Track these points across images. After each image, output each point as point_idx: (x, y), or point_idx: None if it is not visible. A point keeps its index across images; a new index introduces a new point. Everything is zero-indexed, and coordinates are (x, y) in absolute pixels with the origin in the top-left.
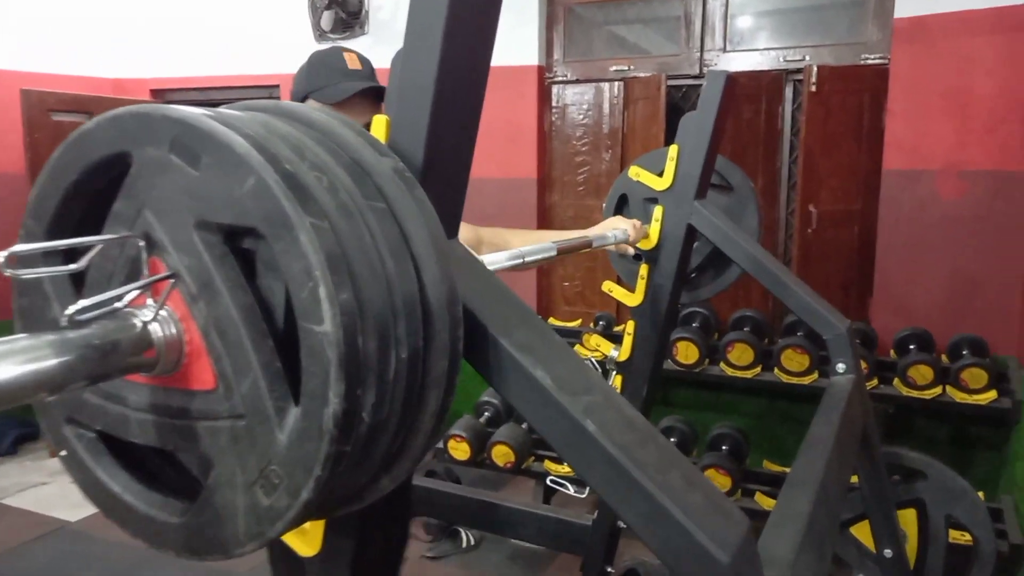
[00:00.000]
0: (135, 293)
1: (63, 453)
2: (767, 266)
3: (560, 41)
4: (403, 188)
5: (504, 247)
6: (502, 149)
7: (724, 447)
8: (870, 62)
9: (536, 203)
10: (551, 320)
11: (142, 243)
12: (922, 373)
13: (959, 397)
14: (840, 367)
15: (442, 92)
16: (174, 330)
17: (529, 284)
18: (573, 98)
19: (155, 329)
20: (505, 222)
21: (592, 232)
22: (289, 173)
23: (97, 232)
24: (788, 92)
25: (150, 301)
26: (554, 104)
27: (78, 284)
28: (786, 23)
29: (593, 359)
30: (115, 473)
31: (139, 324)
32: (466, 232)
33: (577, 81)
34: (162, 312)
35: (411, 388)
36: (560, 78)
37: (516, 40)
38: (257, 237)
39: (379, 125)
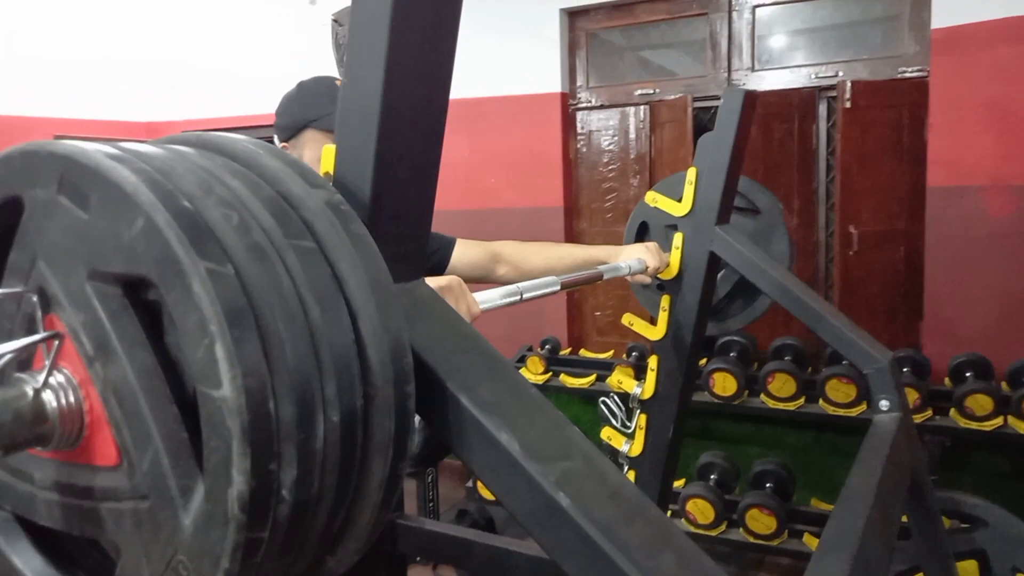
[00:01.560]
0: (8, 356)
1: None
2: (797, 294)
3: (583, 67)
4: (336, 223)
5: (523, 264)
6: (527, 178)
7: (768, 484)
8: (908, 75)
9: (563, 231)
10: (582, 352)
11: (35, 298)
12: (980, 403)
13: (1022, 428)
14: (883, 404)
15: (391, 115)
16: (72, 398)
17: (559, 314)
18: (598, 124)
19: (48, 398)
20: None
21: (604, 253)
22: (185, 211)
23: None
24: (822, 109)
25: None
26: (579, 131)
27: None
28: (817, 39)
29: (615, 396)
30: (30, 558)
31: (30, 392)
32: (474, 250)
33: (602, 107)
34: (59, 378)
35: (349, 456)
36: (584, 104)
37: (538, 67)
38: (151, 287)
39: (328, 156)
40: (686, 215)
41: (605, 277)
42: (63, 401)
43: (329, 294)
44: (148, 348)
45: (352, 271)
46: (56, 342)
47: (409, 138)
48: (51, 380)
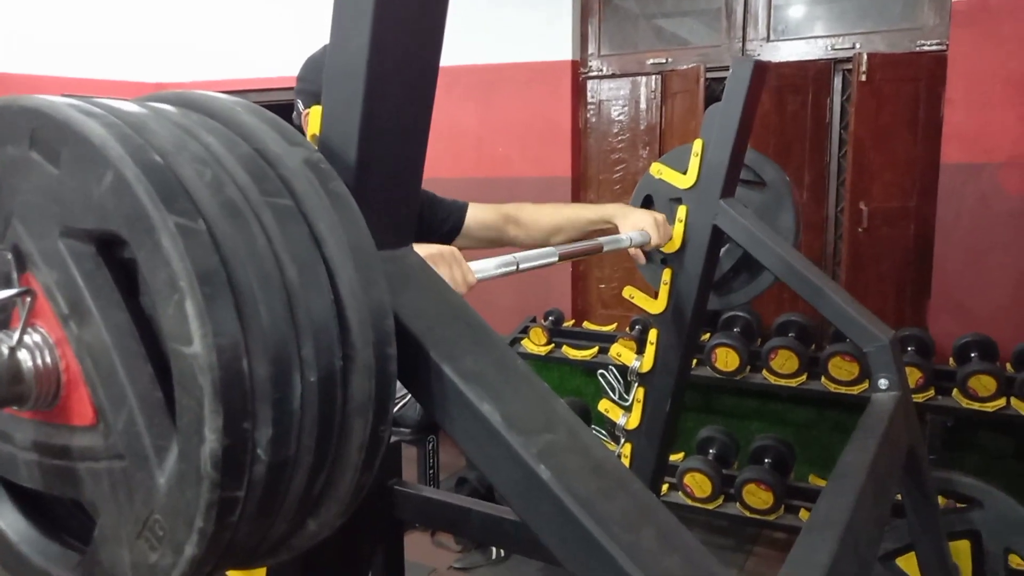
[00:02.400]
0: None
1: None
2: (799, 270)
3: (595, 34)
4: (314, 182)
5: (533, 225)
6: (536, 147)
7: (766, 460)
8: (926, 48)
9: (570, 202)
10: (586, 324)
11: (10, 257)
12: (984, 384)
13: None
14: (882, 383)
15: (377, 77)
16: (48, 357)
17: (564, 286)
18: (609, 93)
19: (24, 357)
20: None
21: (613, 211)
22: (156, 166)
23: None
24: (837, 82)
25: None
26: (589, 100)
27: None
28: (834, 10)
29: (614, 369)
30: (13, 520)
31: (4, 351)
32: (487, 212)
33: (613, 76)
34: (35, 337)
35: (328, 417)
36: (595, 73)
37: (549, 34)
38: (124, 244)
39: (315, 118)
40: (691, 188)
41: (605, 249)
42: (39, 360)
43: (306, 253)
44: (122, 307)
45: (330, 230)
46: (28, 299)
47: (397, 101)
48: (27, 339)
